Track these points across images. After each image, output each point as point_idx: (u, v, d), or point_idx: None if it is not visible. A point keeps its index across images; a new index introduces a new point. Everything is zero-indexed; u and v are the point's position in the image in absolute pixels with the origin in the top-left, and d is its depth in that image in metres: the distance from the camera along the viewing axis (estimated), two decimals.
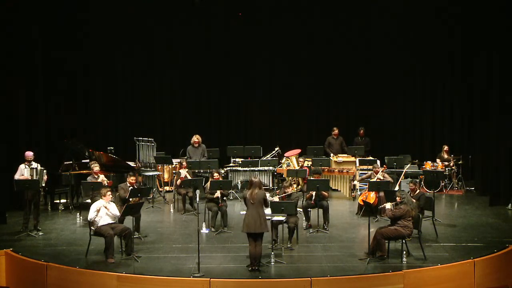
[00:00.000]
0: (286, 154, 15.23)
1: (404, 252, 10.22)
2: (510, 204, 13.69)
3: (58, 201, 14.03)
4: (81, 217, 12.86)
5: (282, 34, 17.32)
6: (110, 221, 10.50)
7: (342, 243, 11.29)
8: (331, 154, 15.71)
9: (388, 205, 10.37)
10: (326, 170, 14.75)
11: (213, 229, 12.06)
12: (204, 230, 12.01)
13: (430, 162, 15.64)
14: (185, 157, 14.90)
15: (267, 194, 10.24)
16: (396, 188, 12.60)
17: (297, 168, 14.42)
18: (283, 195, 11.30)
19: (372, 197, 12.76)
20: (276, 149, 15.97)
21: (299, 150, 15.17)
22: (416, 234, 10.60)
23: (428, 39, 16.81)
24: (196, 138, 15.10)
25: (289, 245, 10.94)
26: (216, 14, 17.33)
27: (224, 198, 12.39)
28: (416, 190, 11.84)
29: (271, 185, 15.22)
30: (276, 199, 11.04)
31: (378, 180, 12.87)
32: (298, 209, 11.31)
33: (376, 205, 12.60)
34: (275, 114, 17.88)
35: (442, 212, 13.47)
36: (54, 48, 15.39)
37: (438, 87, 17.08)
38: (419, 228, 10.65)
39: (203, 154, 15.06)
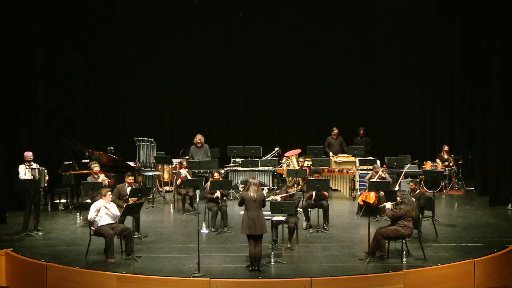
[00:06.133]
0: (286, 154, 15.22)
1: (404, 252, 10.22)
2: (510, 204, 13.69)
3: (58, 201, 14.02)
4: (81, 217, 12.86)
5: (282, 34, 17.32)
6: (110, 221, 10.50)
7: (342, 243, 11.29)
8: (331, 154, 15.71)
9: (388, 205, 10.37)
10: (326, 170, 14.76)
11: (213, 229, 12.06)
12: (204, 230, 12.01)
13: (430, 162, 15.65)
14: (187, 157, 14.89)
15: (266, 194, 10.24)
16: (396, 188, 12.60)
17: (297, 168, 14.42)
18: (285, 194, 11.30)
19: (372, 197, 12.76)
20: (276, 149, 15.97)
21: (299, 150, 15.17)
22: (416, 234, 10.60)
23: (428, 39, 16.81)
24: (198, 139, 15.07)
25: (289, 245, 10.94)
26: (216, 14, 17.32)
27: (224, 198, 12.39)
28: (416, 189, 11.84)
29: (271, 185, 15.23)
30: (278, 198, 11.04)
31: (379, 179, 12.90)
32: (298, 209, 11.32)
33: (376, 205, 12.60)
34: (275, 114, 17.89)
35: (442, 212, 13.48)
36: (54, 47, 15.41)
37: (438, 87, 17.06)
38: (419, 228, 10.66)
39: (206, 154, 15.05)
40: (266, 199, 10.21)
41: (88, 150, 14.30)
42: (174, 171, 14.79)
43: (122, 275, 9.56)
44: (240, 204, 9.95)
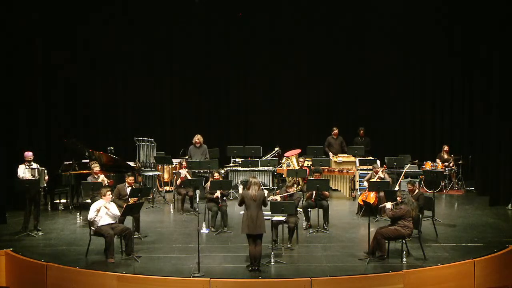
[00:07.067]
0: (286, 154, 15.23)
1: (404, 252, 10.22)
2: (510, 204, 13.69)
3: (58, 201, 14.03)
4: (81, 217, 12.86)
5: (282, 34, 17.32)
6: (110, 221, 10.50)
7: (342, 243, 11.29)
8: (331, 154, 15.71)
9: (388, 205, 10.37)
10: (326, 170, 14.75)
11: (213, 229, 12.06)
12: (204, 230, 12.01)
13: (430, 162, 15.65)
14: (187, 157, 14.89)
15: (267, 194, 10.23)
16: (396, 188, 12.60)
17: (297, 168, 14.42)
18: (285, 194, 11.29)
19: (372, 197, 12.76)
20: (276, 149, 15.97)
21: (299, 150, 15.17)
22: (416, 234, 10.60)
23: (428, 39, 16.79)
24: (197, 139, 15.07)
25: (289, 245, 10.94)
26: (216, 14, 17.32)
27: (224, 198, 12.39)
28: (415, 190, 11.83)
29: (271, 185, 15.22)
30: (278, 198, 11.04)
31: (379, 179, 12.90)
32: (298, 209, 11.32)
33: (376, 205, 12.60)
34: (275, 114, 17.88)
35: (442, 212, 13.47)
36: (54, 47, 15.43)
37: (438, 87, 17.04)
38: (419, 228, 10.66)
39: (204, 155, 15.03)
40: (267, 199, 10.18)
41: (88, 150, 14.29)
42: (174, 171, 14.79)
43: (122, 275, 9.57)
44: (240, 204, 9.96)
